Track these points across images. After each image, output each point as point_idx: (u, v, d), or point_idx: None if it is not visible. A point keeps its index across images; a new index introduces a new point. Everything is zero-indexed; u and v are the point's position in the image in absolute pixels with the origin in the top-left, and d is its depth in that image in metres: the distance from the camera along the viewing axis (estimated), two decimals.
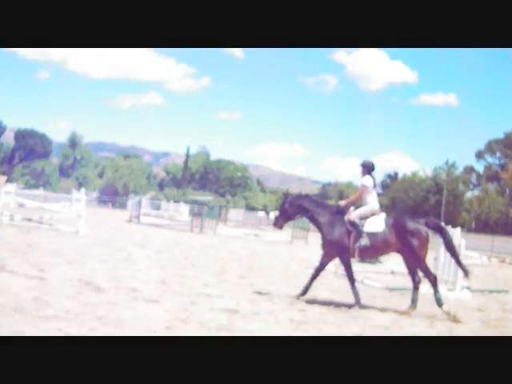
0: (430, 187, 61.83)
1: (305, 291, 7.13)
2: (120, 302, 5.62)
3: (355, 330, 5.45)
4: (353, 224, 6.87)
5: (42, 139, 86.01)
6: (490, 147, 67.00)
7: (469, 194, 64.18)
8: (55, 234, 13.38)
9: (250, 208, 61.85)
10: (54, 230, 14.23)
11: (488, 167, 66.89)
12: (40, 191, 56.73)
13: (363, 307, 6.84)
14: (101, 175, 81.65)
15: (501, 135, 67.04)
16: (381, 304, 7.31)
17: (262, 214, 36.66)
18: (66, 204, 16.82)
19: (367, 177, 7.10)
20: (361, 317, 6.22)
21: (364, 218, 6.94)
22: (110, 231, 16.96)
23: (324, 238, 7.13)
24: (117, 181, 72.55)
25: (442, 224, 7.32)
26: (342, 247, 6.93)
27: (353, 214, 6.96)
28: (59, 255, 8.98)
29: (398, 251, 7.01)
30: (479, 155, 67.52)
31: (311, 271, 7.35)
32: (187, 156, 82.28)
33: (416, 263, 6.92)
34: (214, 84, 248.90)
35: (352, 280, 7.05)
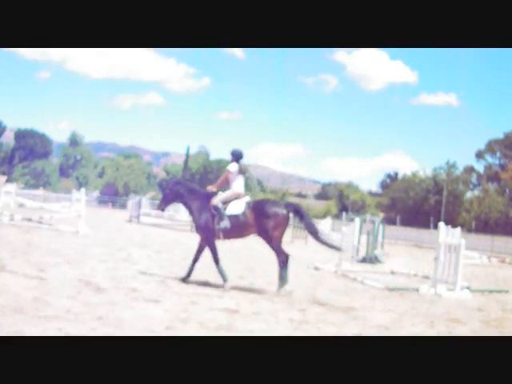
0: (430, 187, 61.80)
1: (189, 274, 7.59)
2: (120, 302, 5.62)
3: (355, 330, 5.45)
4: (216, 208, 7.45)
5: (42, 139, 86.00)
6: (490, 147, 66.91)
7: (469, 194, 64.10)
8: (55, 233, 13.38)
9: None
10: (54, 230, 14.23)
11: (488, 167, 66.79)
12: (40, 191, 56.76)
13: (363, 307, 6.85)
14: (101, 175, 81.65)
15: (501, 135, 67.04)
16: (381, 304, 7.31)
17: None
18: (66, 204, 16.82)
19: (233, 163, 7.69)
20: (361, 317, 6.22)
21: (227, 201, 7.50)
22: (110, 231, 16.96)
23: (194, 223, 7.83)
24: (117, 181, 72.56)
25: (301, 207, 7.86)
26: (207, 231, 7.55)
27: (216, 199, 7.52)
28: (59, 255, 8.99)
29: (257, 233, 7.47)
30: (479, 155, 67.43)
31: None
32: (187, 156, 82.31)
33: (270, 243, 7.42)
34: (214, 84, 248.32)
35: (216, 260, 7.54)
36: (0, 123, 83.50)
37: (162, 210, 8.25)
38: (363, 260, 13.65)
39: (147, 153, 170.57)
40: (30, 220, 14.72)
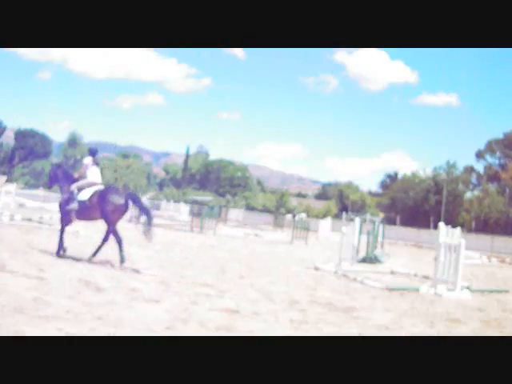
0: (430, 187, 61.83)
1: (60, 248, 8.96)
2: (120, 302, 5.62)
3: (355, 330, 5.45)
4: (71, 192, 8.96)
5: (42, 139, 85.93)
6: (490, 147, 66.88)
7: (469, 194, 64.10)
8: (55, 233, 13.35)
9: (251, 208, 61.78)
10: (54, 229, 14.22)
11: (488, 167, 66.76)
12: (40, 191, 56.68)
13: (363, 307, 6.85)
14: None
15: (501, 135, 66.98)
16: (381, 304, 7.31)
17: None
18: None
19: (88, 157, 9.23)
20: (361, 317, 6.22)
21: (82, 188, 8.94)
22: None
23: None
24: (117, 181, 72.49)
25: (139, 198, 9.48)
26: (62, 210, 9.15)
27: (73, 185, 9.00)
28: (59, 255, 8.98)
29: (100, 216, 8.78)
30: (479, 155, 67.41)
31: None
32: (187, 156, 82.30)
33: (108, 225, 8.70)
34: (215, 84, 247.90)
35: (61, 233, 9.07)
36: (0, 123, 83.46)
37: (50, 187, 10.06)
38: (363, 260, 13.65)
39: (147, 153, 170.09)
40: (30, 220, 14.73)
